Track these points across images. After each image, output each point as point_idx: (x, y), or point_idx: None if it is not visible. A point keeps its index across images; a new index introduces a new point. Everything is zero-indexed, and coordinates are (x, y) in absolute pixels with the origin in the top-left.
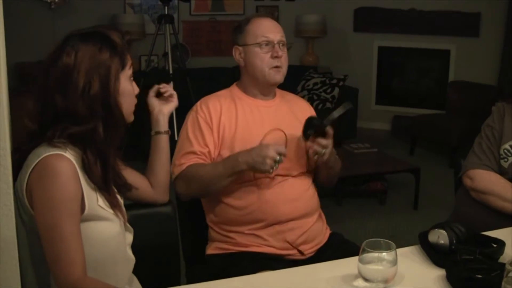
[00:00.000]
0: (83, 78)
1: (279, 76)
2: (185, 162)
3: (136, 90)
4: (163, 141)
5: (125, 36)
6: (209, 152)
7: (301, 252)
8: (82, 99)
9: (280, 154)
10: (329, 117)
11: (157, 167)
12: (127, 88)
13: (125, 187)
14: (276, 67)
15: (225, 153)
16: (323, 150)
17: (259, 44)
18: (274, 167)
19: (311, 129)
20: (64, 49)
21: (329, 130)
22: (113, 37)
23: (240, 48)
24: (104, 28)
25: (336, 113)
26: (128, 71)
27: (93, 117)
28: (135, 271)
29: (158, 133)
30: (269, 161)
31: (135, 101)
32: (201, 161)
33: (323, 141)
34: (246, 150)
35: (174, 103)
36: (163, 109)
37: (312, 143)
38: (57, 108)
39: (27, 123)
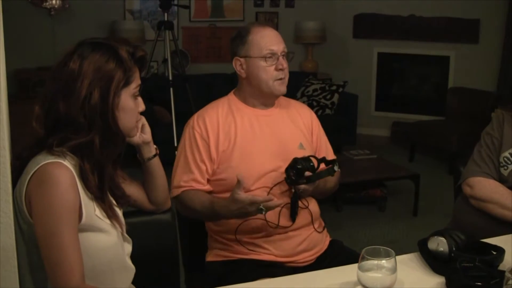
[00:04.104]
0: (86, 87)
1: (283, 88)
2: (182, 185)
3: (142, 107)
4: (156, 165)
5: (137, 52)
6: (206, 170)
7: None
8: (82, 108)
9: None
10: (312, 177)
11: (156, 192)
12: (128, 105)
13: (123, 199)
14: (281, 79)
15: (223, 167)
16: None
17: (264, 57)
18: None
19: (292, 171)
20: (73, 56)
21: (306, 186)
22: (121, 51)
23: (242, 59)
24: (117, 41)
25: (321, 175)
26: (132, 89)
27: (91, 128)
28: (134, 278)
29: (149, 159)
30: (253, 215)
31: (137, 118)
32: (197, 186)
33: (300, 187)
34: (224, 204)
35: (148, 129)
36: (145, 139)
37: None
38: (59, 115)
39: (35, 127)
